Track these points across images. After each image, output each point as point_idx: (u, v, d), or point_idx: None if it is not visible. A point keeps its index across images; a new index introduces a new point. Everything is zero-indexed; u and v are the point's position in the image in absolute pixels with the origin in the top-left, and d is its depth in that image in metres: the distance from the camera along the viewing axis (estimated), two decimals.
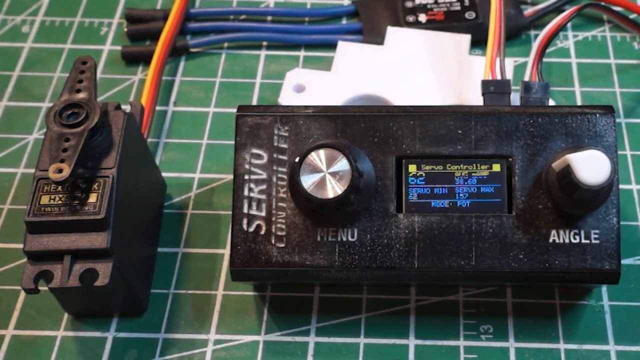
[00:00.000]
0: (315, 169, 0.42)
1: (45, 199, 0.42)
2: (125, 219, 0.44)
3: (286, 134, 0.45)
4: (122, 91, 0.58)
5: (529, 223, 0.43)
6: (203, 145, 0.55)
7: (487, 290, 0.48)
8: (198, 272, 0.49)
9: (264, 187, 0.44)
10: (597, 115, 0.44)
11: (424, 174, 0.44)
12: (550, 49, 0.58)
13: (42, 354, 0.46)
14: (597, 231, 0.43)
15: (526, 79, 0.49)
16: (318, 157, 0.42)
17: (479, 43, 0.59)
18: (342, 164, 0.41)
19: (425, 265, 0.43)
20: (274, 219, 0.44)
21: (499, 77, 0.50)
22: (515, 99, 0.49)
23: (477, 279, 0.44)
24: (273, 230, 0.44)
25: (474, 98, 0.52)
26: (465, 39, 0.57)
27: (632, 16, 0.60)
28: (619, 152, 0.52)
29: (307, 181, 0.41)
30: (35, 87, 0.59)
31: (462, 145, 0.44)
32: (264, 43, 0.61)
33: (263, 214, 0.44)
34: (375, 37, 0.59)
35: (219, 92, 0.58)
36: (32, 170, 0.48)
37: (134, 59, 0.60)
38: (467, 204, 0.44)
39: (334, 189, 0.41)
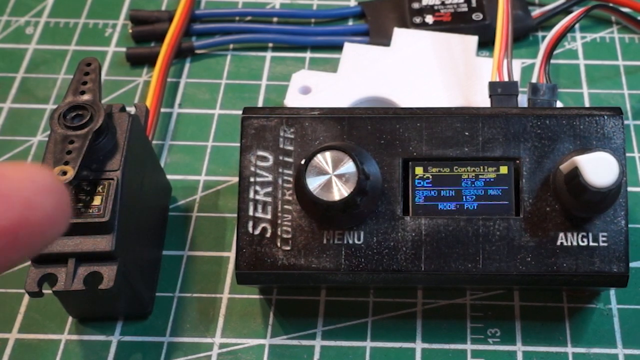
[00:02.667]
0: (322, 171, 0.41)
1: None
2: (130, 222, 0.44)
3: (292, 136, 0.44)
4: (126, 93, 0.58)
5: (537, 226, 0.43)
6: (208, 147, 0.55)
7: (494, 294, 0.47)
8: (203, 275, 0.49)
9: (269, 189, 0.44)
10: (605, 117, 0.44)
11: (430, 176, 0.44)
12: (558, 51, 0.58)
13: (46, 357, 0.46)
14: (605, 234, 0.43)
15: (534, 80, 0.49)
16: (324, 159, 0.41)
17: (486, 44, 0.59)
18: (349, 166, 0.41)
19: (432, 268, 0.43)
20: (279, 221, 0.44)
21: (506, 79, 0.49)
22: (522, 100, 0.49)
23: (484, 282, 0.44)
24: (279, 233, 0.44)
25: (481, 100, 0.52)
26: (473, 40, 0.57)
27: None
28: (627, 154, 0.51)
29: (313, 183, 0.41)
30: (40, 88, 0.58)
31: (469, 147, 0.44)
32: (270, 44, 0.61)
33: (269, 216, 0.44)
34: (381, 38, 0.59)
35: (224, 94, 0.58)
36: None
37: (139, 60, 0.60)
38: (474, 206, 0.43)
39: (340, 192, 0.41)
